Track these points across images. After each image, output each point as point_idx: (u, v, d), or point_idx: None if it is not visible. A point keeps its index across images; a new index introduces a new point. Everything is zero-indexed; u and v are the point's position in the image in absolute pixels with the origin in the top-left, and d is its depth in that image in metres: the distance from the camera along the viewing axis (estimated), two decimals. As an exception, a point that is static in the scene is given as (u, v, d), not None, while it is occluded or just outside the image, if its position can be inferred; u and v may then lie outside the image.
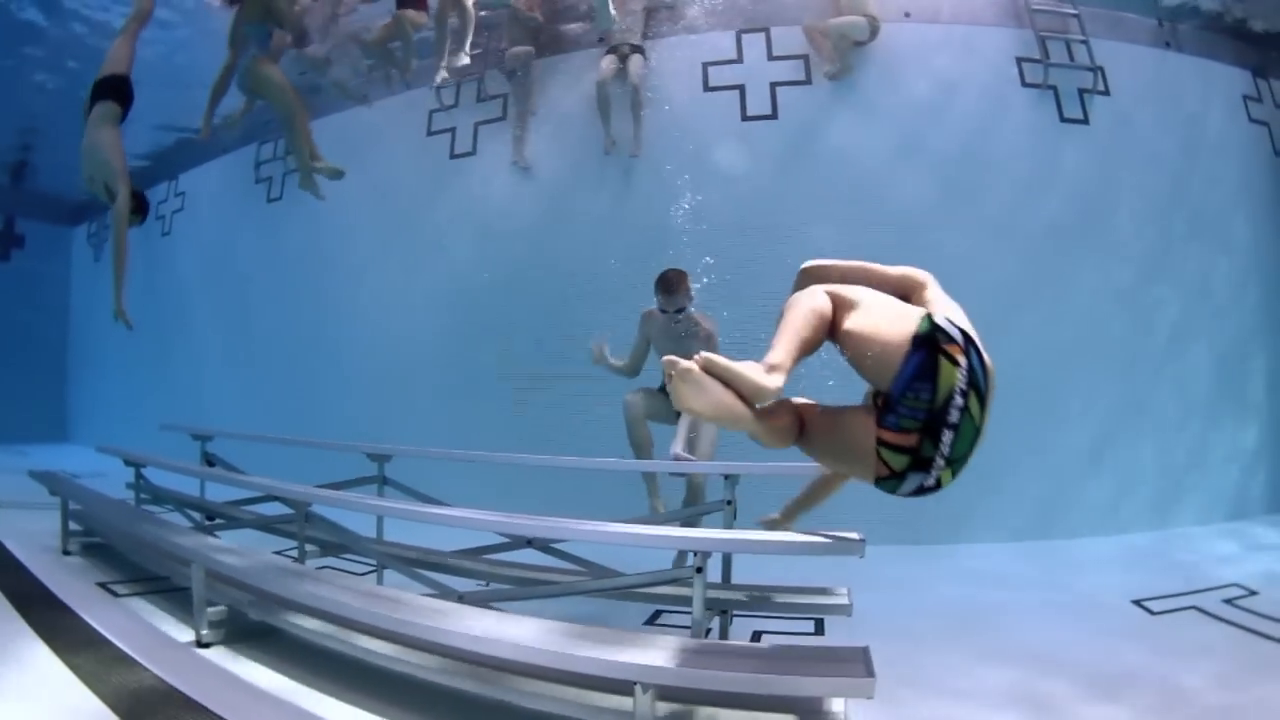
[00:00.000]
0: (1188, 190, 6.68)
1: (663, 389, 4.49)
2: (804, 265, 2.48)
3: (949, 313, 2.13)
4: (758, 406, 2.13)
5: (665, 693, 2.47)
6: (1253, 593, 4.58)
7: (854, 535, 2.64)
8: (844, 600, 3.29)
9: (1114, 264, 6.39)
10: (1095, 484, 6.24)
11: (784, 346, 2.14)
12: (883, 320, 2.11)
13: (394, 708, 2.89)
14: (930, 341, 2.00)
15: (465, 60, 6.51)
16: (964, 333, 2.05)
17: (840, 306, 2.20)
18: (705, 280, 5.70)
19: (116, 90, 5.19)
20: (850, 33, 6.28)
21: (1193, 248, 6.67)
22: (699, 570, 2.83)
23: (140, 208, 5.44)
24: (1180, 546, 5.81)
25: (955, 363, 1.99)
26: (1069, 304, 6.23)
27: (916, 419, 1.98)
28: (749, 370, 2.07)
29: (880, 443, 2.03)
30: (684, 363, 2.06)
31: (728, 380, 2.07)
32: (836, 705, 2.50)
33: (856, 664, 2.31)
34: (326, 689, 3.04)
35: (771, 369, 2.08)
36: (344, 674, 3.16)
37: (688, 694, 2.52)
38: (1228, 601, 4.42)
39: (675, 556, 4.18)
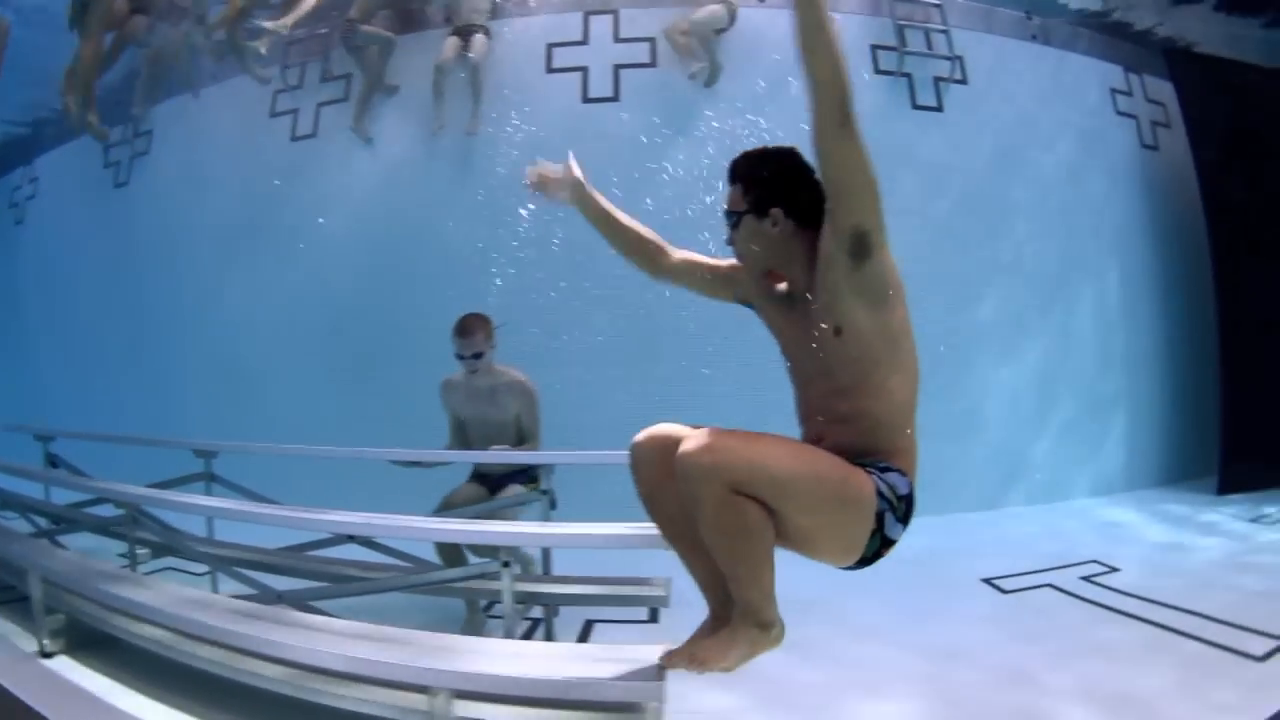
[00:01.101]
0: (1048, 178, 6.93)
1: (479, 476, 4.27)
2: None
3: None
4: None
5: (466, 692, 2.44)
6: (1114, 569, 4.71)
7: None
8: (661, 592, 3.30)
9: (970, 249, 6.59)
10: (964, 461, 6.43)
11: (758, 584, 1.85)
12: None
13: (224, 714, 2.86)
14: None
15: (281, 27, 6.35)
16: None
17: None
18: (553, 247, 5.74)
19: None
20: (712, 23, 6.24)
21: (1052, 233, 6.92)
22: (505, 565, 2.79)
23: None
24: (1051, 523, 6.01)
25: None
26: (924, 289, 6.29)
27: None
28: (744, 641, 1.89)
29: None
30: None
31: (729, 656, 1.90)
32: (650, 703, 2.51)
33: (649, 666, 2.28)
34: (164, 697, 2.98)
35: (763, 625, 1.88)
36: (179, 681, 3.07)
37: (488, 693, 2.50)
38: (1086, 579, 4.54)
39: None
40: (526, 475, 4.05)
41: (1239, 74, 7.38)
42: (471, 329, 4.02)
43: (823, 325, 1.91)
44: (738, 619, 1.87)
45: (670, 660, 1.99)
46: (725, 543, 1.77)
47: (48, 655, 3.32)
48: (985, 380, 6.62)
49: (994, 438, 6.62)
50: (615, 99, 6.54)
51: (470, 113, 6.56)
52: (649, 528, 2.54)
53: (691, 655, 1.94)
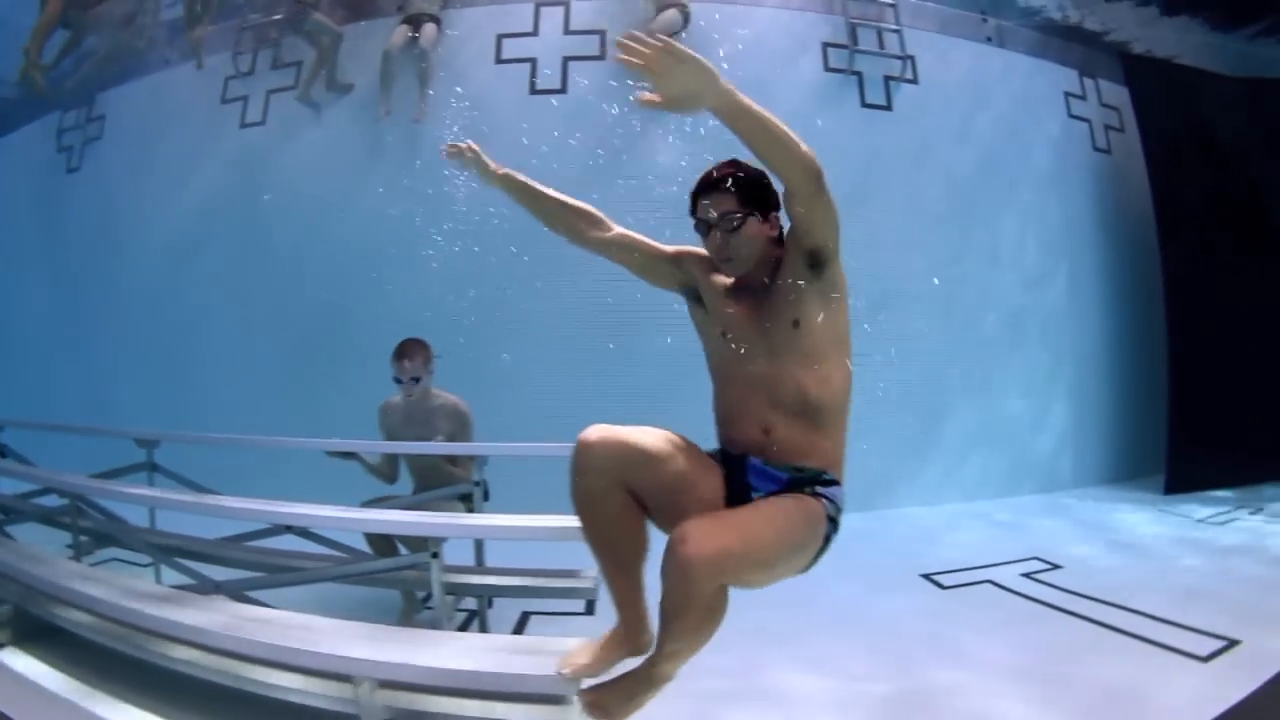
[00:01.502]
0: (996, 177, 7.04)
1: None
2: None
3: None
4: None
5: (391, 681, 2.52)
6: (1056, 566, 4.74)
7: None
8: (590, 584, 3.39)
9: (915, 248, 6.68)
10: (909, 458, 6.59)
11: (692, 646, 1.91)
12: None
13: (167, 704, 2.86)
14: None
15: None
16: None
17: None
18: (494, 221, 5.71)
19: None
20: (668, 30, 6.24)
21: (1002, 233, 7.07)
22: (434, 555, 2.87)
23: None
24: (995, 520, 6.05)
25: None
26: (876, 286, 6.40)
27: None
28: (650, 689, 1.98)
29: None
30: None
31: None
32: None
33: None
34: (109, 688, 2.96)
35: (671, 676, 1.97)
36: (124, 671, 3.09)
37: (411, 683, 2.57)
38: (1027, 575, 4.58)
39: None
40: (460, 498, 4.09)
41: (1194, 80, 7.52)
42: (410, 353, 4.06)
43: (781, 317, 2.07)
44: (656, 663, 1.93)
45: (584, 702, 2.03)
46: (693, 618, 1.81)
47: (-6, 649, 3.28)
48: (933, 379, 6.73)
49: (940, 435, 6.75)
50: (563, 90, 6.58)
51: (418, 100, 6.59)
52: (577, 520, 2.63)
53: (599, 705, 2.00)
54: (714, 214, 2.11)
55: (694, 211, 2.18)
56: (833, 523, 2.03)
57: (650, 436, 1.96)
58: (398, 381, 4.10)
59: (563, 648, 2.30)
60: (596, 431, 1.98)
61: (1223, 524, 5.65)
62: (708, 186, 2.15)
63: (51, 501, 4.61)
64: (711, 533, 1.75)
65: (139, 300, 7.45)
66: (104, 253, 7.64)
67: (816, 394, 2.04)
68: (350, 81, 6.88)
